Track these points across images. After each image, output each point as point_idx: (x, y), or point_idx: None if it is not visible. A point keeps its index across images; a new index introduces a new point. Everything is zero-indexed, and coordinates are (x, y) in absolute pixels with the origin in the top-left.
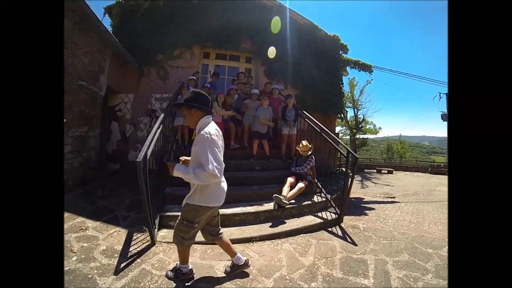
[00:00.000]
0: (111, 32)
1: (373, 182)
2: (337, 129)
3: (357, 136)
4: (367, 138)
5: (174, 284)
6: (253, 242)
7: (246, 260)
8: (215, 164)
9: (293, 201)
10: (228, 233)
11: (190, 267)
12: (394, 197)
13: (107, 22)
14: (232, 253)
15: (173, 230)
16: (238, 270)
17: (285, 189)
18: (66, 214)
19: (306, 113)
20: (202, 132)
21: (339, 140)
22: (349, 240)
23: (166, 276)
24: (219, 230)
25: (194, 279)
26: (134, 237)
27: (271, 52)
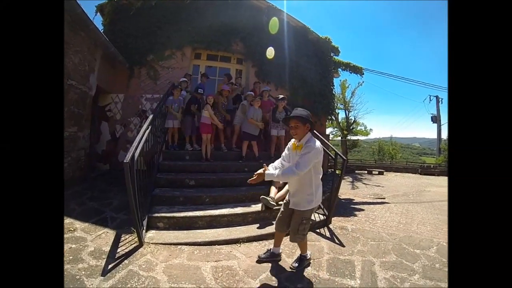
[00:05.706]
0: (102, 31)
1: (364, 183)
2: (328, 130)
3: (348, 137)
4: (358, 139)
5: (161, 285)
6: (240, 243)
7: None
8: (305, 171)
9: (281, 202)
10: (215, 234)
11: (309, 252)
12: (384, 198)
13: (98, 20)
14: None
15: (161, 231)
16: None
17: (273, 190)
18: None
19: None
20: (313, 144)
21: (328, 142)
22: (336, 241)
23: (293, 268)
24: None
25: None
26: (122, 239)
27: (270, 52)
